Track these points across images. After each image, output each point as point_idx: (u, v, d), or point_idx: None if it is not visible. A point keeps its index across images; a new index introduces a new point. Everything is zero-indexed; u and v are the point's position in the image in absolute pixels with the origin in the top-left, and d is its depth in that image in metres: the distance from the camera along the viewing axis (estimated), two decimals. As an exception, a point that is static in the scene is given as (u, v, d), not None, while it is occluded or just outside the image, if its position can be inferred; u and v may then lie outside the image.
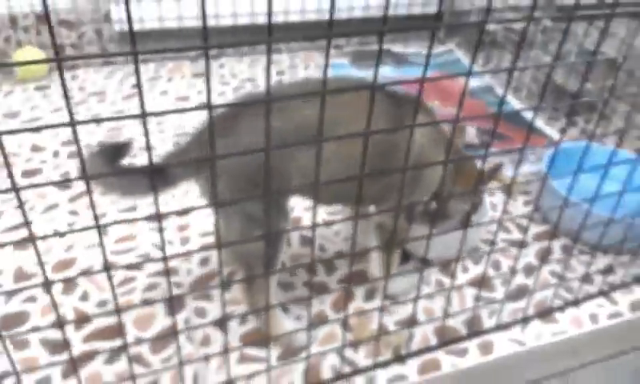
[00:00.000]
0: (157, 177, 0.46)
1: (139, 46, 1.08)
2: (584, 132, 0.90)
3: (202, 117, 0.89)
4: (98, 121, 0.29)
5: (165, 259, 0.35)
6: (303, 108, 0.46)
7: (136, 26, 1.03)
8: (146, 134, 0.30)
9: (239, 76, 1.05)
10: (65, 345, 0.53)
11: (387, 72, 1.06)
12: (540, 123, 0.94)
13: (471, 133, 0.91)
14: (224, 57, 1.11)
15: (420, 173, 0.51)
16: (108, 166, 0.46)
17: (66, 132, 0.85)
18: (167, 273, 0.36)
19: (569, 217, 0.61)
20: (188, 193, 0.74)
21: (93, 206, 0.32)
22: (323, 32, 0.28)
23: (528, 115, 0.94)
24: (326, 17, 1.12)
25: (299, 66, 1.11)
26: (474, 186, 0.51)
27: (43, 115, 0.90)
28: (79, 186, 0.74)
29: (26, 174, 0.77)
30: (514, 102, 1.00)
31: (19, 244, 0.46)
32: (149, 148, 0.30)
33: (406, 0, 1.17)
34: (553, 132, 0.92)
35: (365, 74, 1.06)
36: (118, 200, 0.70)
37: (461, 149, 0.58)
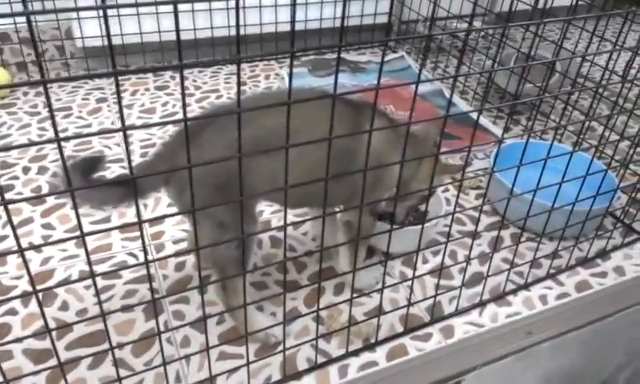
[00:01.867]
0: (130, 188, 0.49)
1: (102, 61, 1.09)
2: (526, 129, 0.97)
3: (167, 129, 0.91)
4: (82, 136, 0.32)
5: (146, 263, 0.38)
6: (265, 119, 0.50)
7: (100, 42, 1.04)
8: (127, 146, 0.33)
9: (203, 87, 1.08)
10: (49, 352, 0.54)
11: (345, 79, 1.11)
12: (486, 122, 1.00)
13: (432, 130, 0.97)
14: (186, 69, 1.14)
15: (380, 173, 0.56)
16: (84, 180, 0.48)
17: (34, 149, 0.86)
18: (149, 276, 0.39)
19: (515, 207, 0.67)
20: (160, 201, 0.76)
21: (78, 217, 0.35)
22: (288, 49, 0.32)
23: (474, 116, 1.01)
24: (282, 29, 1.16)
25: (260, 76, 1.14)
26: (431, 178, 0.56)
27: (11, 133, 0.90)
28: (52, 200, 0.75)
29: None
30: (461, 104, 1.06)
31: None
32: (129, 161, 0.34)
33: (357, 11, 1.22)
34: (498, 130, 0.99)
35: (324, 81, 1.11)
36: (92, 213, 0.72)
37: (424, 144, 0.62)
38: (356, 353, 0.57)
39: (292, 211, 0.74)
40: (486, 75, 1.04)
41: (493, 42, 1.12)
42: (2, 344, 0.38)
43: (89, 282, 0.63)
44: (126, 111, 0.99)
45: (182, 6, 1.05)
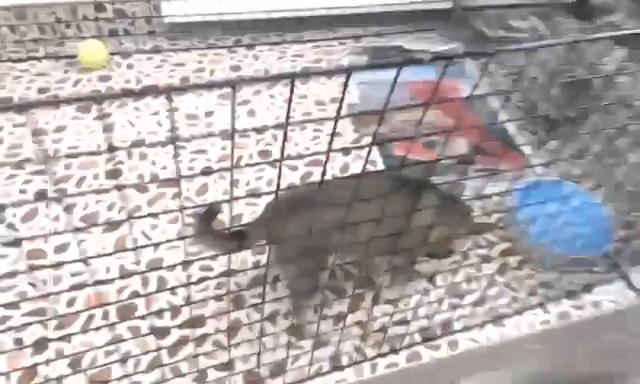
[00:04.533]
0: (241, 240, 0.68)
1: (185, 36, 1.22)
2: (555, 160, 1.09)
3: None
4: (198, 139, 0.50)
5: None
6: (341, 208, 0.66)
7: (183, 19, 1.17)
8: (231, 187, 0.51)
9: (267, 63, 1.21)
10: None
11: (410, 74, 1.22)
12: (521, 139, 1.13)
13: (463, 143, 1.11)
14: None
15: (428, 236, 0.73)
16: (206, 227, 0.67)
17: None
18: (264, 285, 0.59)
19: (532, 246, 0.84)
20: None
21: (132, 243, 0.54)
22: (288, 73, 0.36)
23: (517, 137, 1.13)
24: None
25: (323, 59, 1.26)
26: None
27: (108, 108, 1.08)
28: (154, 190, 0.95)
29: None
30: (501, 116, 1.18)
31: None
32: (231, 213, 0.52)
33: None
34: (532, 154, 1.11)
35: (386, 76, 1.22)
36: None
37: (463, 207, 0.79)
38: (384, 355, 0.79)
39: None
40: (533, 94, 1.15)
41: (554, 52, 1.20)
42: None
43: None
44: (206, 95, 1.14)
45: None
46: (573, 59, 1.11)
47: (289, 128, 0.74)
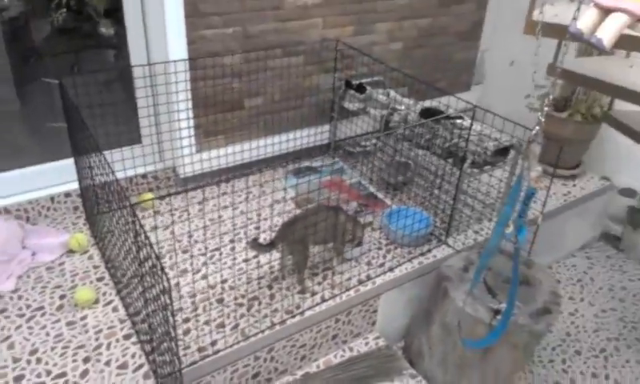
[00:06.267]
0: (272, 246, 1.57)
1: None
2: (400, 199, 2.13)
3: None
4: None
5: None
6: (311, 218, 1.60)
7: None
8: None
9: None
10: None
11: (312, 177, 2.22)
12: (381, 195, 2.16)
13: (353, 205, 2.10)
14: (228, 180, 2.20)
15: (344, 230, 1.67)
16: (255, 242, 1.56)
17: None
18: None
19: (394, 235, 1.81)
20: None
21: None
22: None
23: (377, 193, 2.16)
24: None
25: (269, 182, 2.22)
26: (360, 232, 1.68)
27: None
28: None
29: (180, 253, 1.80)
30: (371, 188, 2.21)
31: None
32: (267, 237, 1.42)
33: (310, 136, 2.35)
34: (388, 200, 2.14)
35: (303, 180, 2.21)
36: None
37: (356, 219, 1.75)
38: (343, 292, 1.67)
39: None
40: (380, 172, 2.21)
41: (384, 151, 2.29)
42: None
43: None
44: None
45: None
46: (398, 148, 2.20)
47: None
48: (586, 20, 1.09)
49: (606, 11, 1.07)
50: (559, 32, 1.25)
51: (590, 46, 1.14)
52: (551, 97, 1.26)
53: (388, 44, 2.43)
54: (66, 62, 3.14)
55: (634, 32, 1.09)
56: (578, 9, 1.14)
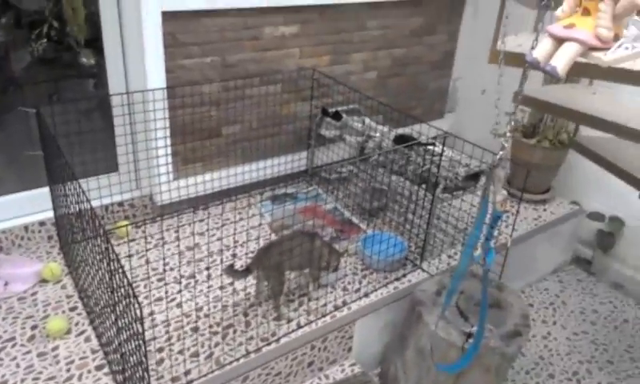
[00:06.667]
0: (247, 271, 1.58)
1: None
2: (376, 225, 2.16)
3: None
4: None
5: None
6: (287, 244, 1.62)
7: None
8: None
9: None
10: None
11: (290, 204, 2.25)
12: (357, 221, 2.18)
13: (330, 230, 2.13)
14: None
15: (320, 256, 1.69)
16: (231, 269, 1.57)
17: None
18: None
19: (370, 260, 1.83)
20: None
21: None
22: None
23: (353, 219, 2.19)
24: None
25: (245, 208, 2.24)
26: (336, 258, 1.71)
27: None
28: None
29: (155, 280, 1.79)
30: (346, 213, 2.24)
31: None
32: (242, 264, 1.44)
33: (288, 163, 2.38)
34: (364, 225, 2.17)
35: (278, 206, 2.23)
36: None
37: (332, 245, 1.77)
38: (319, 318, 1.67)
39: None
40: (355, 198, 2.24)
41: (359, 177, 2.33)
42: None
43: (218, 308, 1.67)
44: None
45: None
46: (373, 175, 2.24)
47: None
48: (541, 49, 1.15)
49: (559, 41, 1.13)
50: (521, 61, 1.31)
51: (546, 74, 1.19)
52: (512, 123, 1.31)
53: (363, 73, 2.50)
54: (46, 92, 3.14)
55: (585, 60, 1.15)
56: (536, 39, 1.20)
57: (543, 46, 1.15)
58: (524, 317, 1.63)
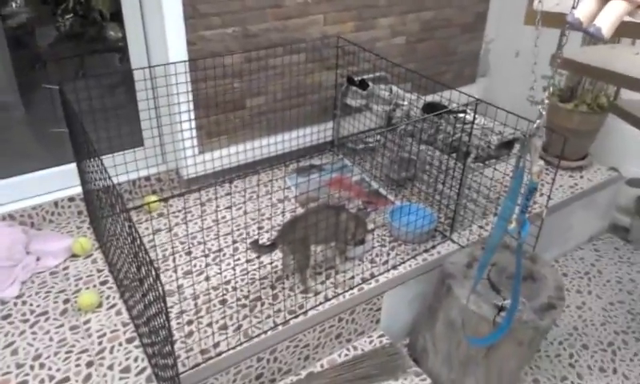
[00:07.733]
0: (273, 247, 1.57)
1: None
2: (404, 196, 2.11)
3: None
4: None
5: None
6: (312, 219, 1.59)
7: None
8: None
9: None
10: None
11: (316, 176, 2.21)
12: (384, 192, 2.14)
13: (357, 202, 2.09)
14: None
15: (346, 229, 1.66)
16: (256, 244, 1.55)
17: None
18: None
19: (398, 232, 1.79)
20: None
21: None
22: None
23: (381, 190, 2.15)
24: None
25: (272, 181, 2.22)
26: (363, 231, 1.67)
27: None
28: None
29: (183, 254, 1.80)
30: (374, 184, 2.20)
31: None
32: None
33: (313, 134, 2.34)
34: (392, 196, 2.13)
35: (304, 179, 2.20)
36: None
37: (359, 218, 1.73)
38: (346, 291, 1.66)
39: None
40: (384, 169, 2.19)
41: (387, 147, 2.28)
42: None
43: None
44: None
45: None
46: (402, 144, 2.18)
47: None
48: (583, 8, 1.06)
49: (604, -1, 1.04)
50: (560, 21, 1.22)
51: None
52: (551, 89, 1.23)
53: (390, 39, 2.41)
54: (72, 68, 3.16)
55: (634, 19, 1.06)
56: (579, -3, 1.11)
57: (586, 5, 1.06)
58: (558, 289, 1.58)
